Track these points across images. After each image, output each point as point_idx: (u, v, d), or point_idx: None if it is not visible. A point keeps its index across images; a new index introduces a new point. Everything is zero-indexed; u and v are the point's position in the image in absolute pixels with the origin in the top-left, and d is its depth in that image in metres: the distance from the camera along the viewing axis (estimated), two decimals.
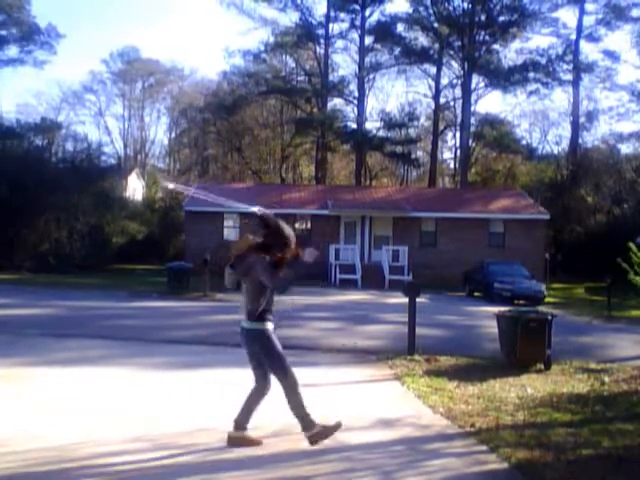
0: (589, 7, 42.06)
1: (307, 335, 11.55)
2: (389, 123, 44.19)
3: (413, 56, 43.36)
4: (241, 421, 4.93)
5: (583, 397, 7.22)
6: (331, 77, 45.09)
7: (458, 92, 45.29)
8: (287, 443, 5.00)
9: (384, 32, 42.09)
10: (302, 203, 31.36)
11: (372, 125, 46.20)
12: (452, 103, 47.63)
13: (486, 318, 13.34)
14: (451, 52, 43.36)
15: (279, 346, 4.86)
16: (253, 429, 5.34)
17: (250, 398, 5.01)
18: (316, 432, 4.79)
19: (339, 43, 45.96)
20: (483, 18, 41.13)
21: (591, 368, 9.15)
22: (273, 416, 5.79)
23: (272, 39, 44.04)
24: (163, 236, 38.37)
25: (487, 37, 41.89)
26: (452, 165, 52.78)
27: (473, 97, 43.48)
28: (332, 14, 43.57)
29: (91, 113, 59.85)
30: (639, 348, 12.17)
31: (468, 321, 15.44)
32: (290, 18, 44.57)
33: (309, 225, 30.23)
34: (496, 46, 42.80)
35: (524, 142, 48.16)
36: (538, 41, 71.57)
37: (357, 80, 44.20)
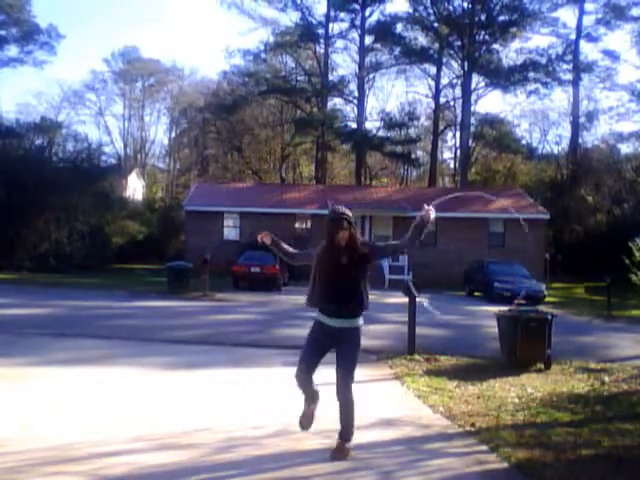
0: (589, 7, 42.15)
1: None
2: (389, 123, 44.21)
3: (413, 56, 43.36)
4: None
5: (583, 397, 7.22)
6: (331, 77, 45.11)
7: (458, 92, 45.33)
8: (287, 443, 5.00)
9: (384, 32, 42.09)
10: (302, 203, 31.36)
11: (372, 125, 46.31)
12: (452, 103, 47.67)
13: (486, 318, 13.35)
14: (451, 52, 43.36)
15: (308, 339, 4.74)
16: (254, 429, 5.35)
17: None
18: (300, 420, 4.92)
19: (339, 43, 46.09)
20: (483, 18, 41.14)
21: (591, 368, 9.15)
22: (274, 416, 5.80)
23: (272, 39, 44.15)
24: (163, 236, 38.39)
25: (487, 37, 41.89)
26: (452, 165, 52.81)
27: (473, 97, 43.50)
28: (332, 14, 43.61)
29: (91, 113, 59.97)
30: (639, 348, 12.17)
31: (468, 321, 15.45)
32: (290, 18, 44.70)
33: (309, 225, 30.24)
34: (496, 46, 42.84)
35: (524, 142, 48.17)
36: (538, 41, 71.60)
37: (357, 80, 44.21)
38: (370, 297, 4.67)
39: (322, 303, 4.60)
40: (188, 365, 8.31)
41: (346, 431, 4.73)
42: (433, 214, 4.48)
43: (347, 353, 4.60)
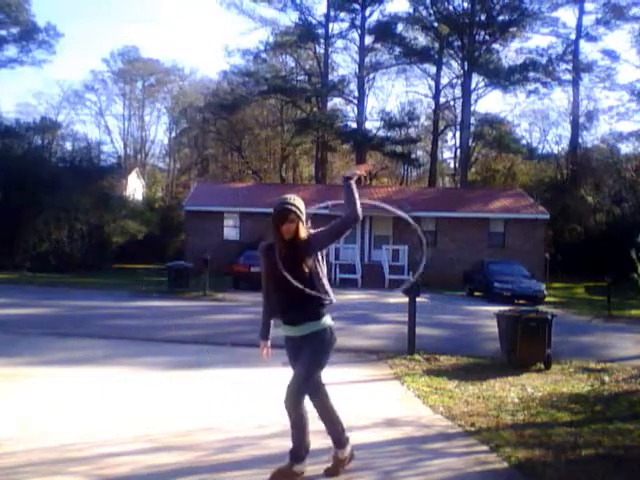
0: (589, 6, 42.15)
1: None
2: (389, 123, 44.18)
3: (413, 56, 43.37)
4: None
5: (583, 397, 7.22)
6: (331, 77, 45.08)
7: (458, 92, 45.33)
8: (288, 443, 4.98)
9: (384, 32, 42.10)
10: None
11: (372, 125, 46.33)
12: (452, 103, 47.66)
13: (486, 318, 13.35)
14: (451, 52, 43.38)
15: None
16: (254, 428, 5.35)
17: None
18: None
19: (339, 43, 46.06)
20: (483, 18, 41.16)
21: (591, 368, 9.14)
22: (274, 416, 5.79)
23: (272, 39, 44.13)
24: (163, 236, 38.42)
25: (487, 37, 41.91)
26: (452, 165, 52.80)
27: (473, 97, 43.47)
28: (332, 14, 43.58)
29: (91, 113, 60.06)
30: (639, 348, 12.17)
31: (468, 321, 15.44)
32: (290, 18, 44.82)
33: (309, 225, 30.23)
34: (496, 46, 42.85)
35: (524, 142, 48.13)
36: (538, 41, 71.72)
37: (357, 80, 44.19)
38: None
39: (280, 312, 4.19)
40: (188, 365, 8.31)
41: (335, 435, 4.38)
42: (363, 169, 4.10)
43: (303, 357, 4.15)
